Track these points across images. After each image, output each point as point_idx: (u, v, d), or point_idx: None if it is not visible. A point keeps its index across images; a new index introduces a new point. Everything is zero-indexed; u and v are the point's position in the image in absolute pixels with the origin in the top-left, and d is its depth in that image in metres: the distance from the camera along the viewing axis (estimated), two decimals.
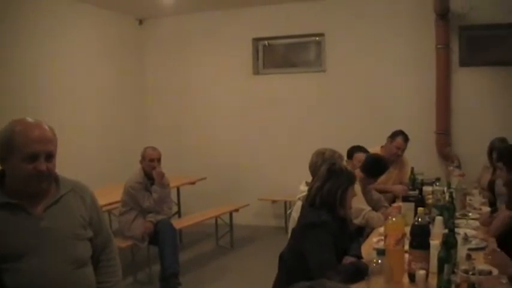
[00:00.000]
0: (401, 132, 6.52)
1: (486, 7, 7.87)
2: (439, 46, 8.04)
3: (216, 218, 7.89)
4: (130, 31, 9.74)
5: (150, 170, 6.23)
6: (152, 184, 6.25)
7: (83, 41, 8.45)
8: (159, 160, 6.31)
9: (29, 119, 2.43)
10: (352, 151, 5.90)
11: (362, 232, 4.89)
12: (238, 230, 8.26)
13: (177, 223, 7.24)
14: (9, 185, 2.41)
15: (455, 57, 8.15)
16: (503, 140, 6.17)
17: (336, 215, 3.50)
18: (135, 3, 8.60)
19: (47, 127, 2.43)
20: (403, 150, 6.50)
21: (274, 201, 8.83)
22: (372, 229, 4.68)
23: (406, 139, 6.49)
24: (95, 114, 8.68)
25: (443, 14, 7.85)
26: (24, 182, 2.38)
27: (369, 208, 4.93)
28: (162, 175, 6.26)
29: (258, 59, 9.45)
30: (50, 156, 2.40)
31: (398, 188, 6.14)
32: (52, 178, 2.48)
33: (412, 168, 6.09)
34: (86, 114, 8.48)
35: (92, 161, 8.16)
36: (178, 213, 8.48)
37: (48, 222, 2.42)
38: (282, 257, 3.71)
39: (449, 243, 3.10)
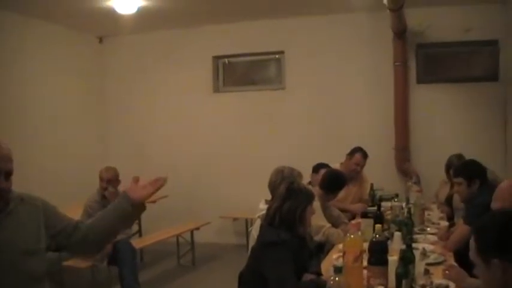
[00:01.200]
0: (359, 148, 6.60)
1: (442, 25, 8.05)
2: (396, 64, 8.17)
3: (178, 236, 7.84)
4: (91, 49, 9.67)
5: (103, 191, 6.14)
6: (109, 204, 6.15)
7: (43, 60, 8.39)
8: (109, 181, 6.15)
9: None
10: (319, 167, 5.94)
11: (322, 249, 4.91)
12: (199, 248, 8.21)
13: (138, 242, 7.17)
14: None
15: (412, 74, 8.30)
16: (459, 157, 6.26)
17: (295, 233, 3.51)
18: (95, 21, 8.53)
19: (4, 145, 2.39)
20: (362, 166, 6.58)
21: (235, 219, 8.81)
22: (332, 245, 4.70)
23: (364, 155, 6.58)
24: (56, 133, 8.56)
25: (400, 33, 7.98)
26: None
27: (328, 225, 4.96)
28: (113, 195, 6.15)
29: (218, 77, 9.45)
30: (9, 175, 2.36)
31: (357, 207, 6.20)
32: (9, 196, 2.43)
33: (372, 185, 6.14)
34: (48, 133, 8.37)
35: (52, 181, 7.98)
36: (140, 232, 8.38)
37: None
38: (241, 276, 3.71)
39: (406, 259, 3.13)
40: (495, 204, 2.99)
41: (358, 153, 6.57)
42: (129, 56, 9.67)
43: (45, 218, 2.54)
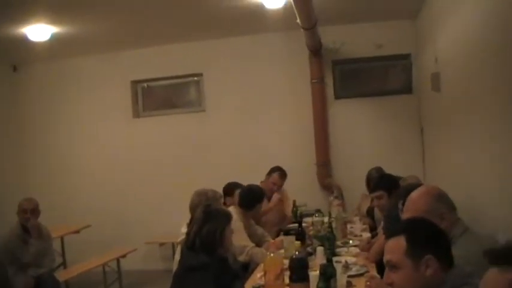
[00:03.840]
0: (278, 168, 6.70)
1: (356, 42, 8.25)
2: (314, 81, 8.30)
3: (104, 265, 7.64)
4: (5, 78, 9.42)
5: (25, 222, 5.95)
6: (30, 237, 5.97)
7: None
8: (33, 211, 5.98)
9: None
10: (231, 187, 5.95)
11: (247, 269, 4.90)
12: (127, 276, 8.08)
13: (63, 274, 6.99)
14: None
15: (330, 90, 8.44)
16: (378, 170, 6.41)
17: (216, 255, 3.50)
18: (7, 50, 8.30)
19: None
20: (280, 186, 6.68)
21: (161, 244, 8.70)
22: (257, 265, 4.70)
23: (282, 175, 6.68)
24: None
25: (316, 50, 8.12)
26: None
27: (252, 244, 4.97)
28: (36, 226, 5.99)
29: (137, 102, 9.36)
30: None
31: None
32: None
33: (294, 201, 6.20)
34: None
35: None
36: (64, 264, 8.17)
37: None
38: None
39: (327, 273, 3.16)
40: (405, 214, 3.05)
41: (276, 173, 6.69)
42: (45, 83, 9.43)
43: None
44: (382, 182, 5.07)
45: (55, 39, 7.54)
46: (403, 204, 3.26)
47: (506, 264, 1.48)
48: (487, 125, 4.41)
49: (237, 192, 5.72)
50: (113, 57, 9.06)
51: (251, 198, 5.40)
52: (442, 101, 6.25)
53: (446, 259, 2.23)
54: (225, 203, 5.53)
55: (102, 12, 6.92)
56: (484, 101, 4.46)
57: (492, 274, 1.51)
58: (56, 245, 7.03)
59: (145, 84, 9.37)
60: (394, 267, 2.28)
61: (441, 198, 3.09)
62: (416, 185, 3.77)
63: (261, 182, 6.58)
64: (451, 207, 3.10)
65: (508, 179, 3.91)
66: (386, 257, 2.33)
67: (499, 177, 4.13)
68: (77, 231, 8.12)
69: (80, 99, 9.29)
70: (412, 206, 3.07)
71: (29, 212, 5.97)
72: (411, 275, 2.23)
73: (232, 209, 5.12)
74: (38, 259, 5.96)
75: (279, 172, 6.66)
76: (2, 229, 6.07)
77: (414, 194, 3.15)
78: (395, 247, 2.29)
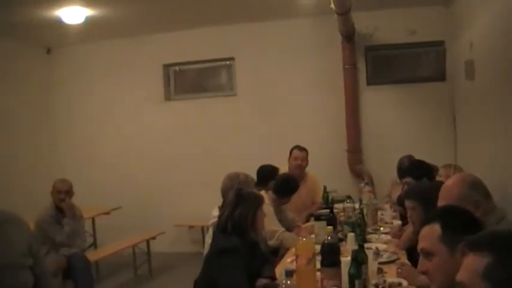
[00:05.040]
0: (294, 146, 6.67)
1: (389, 28, 8.19)
2: (346, 66, 8.26)
3: (133, 247, 7.74)
4: (38, 61, 9.51)
5: (60, 203, 6.04)
6: (64, 217, 6.06)
7: None
8: (67, 192, 6.08)
9: None
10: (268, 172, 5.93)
11: (277, 253, 4.92)
12: (156, 258, 8.15)
13: (93, 255, 7.08)
14: None
15: (362, 76, 8.40)
16: (410, 158, 6.37)
17: (248, 238, 3.53)
18: (41, 32, 8.39)
19: None
20: (303, 159, 6.61)
21: (191, 227, 8.76)
22: (287, 249, 4.71)
23: (301, 149, 6.64)
24: (6, 146, 8.39)
25: (349, 36, 8.08)
26: None
27: (282, 229, 4.99)
28: (71, 207, 6.08)
29: (169, 85, 9.40)
30: None
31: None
32: None
33: (325, 187, 6.16)
34: None
35: (2, 194, 7.81)
36: (94, 244, 8.29)
37: None
38: (196, 284, 3.69)
39: (359, 259, 3.16)
40: (440, 202, 3.03)
41: (295, 150, 6.68)
42: (78, 66, 9.53)
43: (28, 246, 2.52)
44: (411, 169, 5.05)
45: (89, 22, 7.60)
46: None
47: (481, 250, 1.60)
48: None
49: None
50: (145, 40, 9.11)
51: (287, 187, 5.40)
52: (476, 90, 6.18)
53: None
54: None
55: None
56: None
57: (469, 259, 1.65)
58: (87, 226, 7.11)
59: (177, 68, 9.40)
60: (429, 254, 2.26)
61: (476, 186, 3.06)
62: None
63: (288, 167, 6.56)
64: (486, 195, 3.07)
65: None
66: (420, 245, 2.31)
67: None
68: (108, 213, 8.21)
69: (112, 82, 9.37)
70: (447, 193, 3.05)
71: (64, 192, 6.06)
72: (446, 261, 2.21)
73: (264, 194, 5.12)
74: (71, 239, 6.04)
75: (297, 148, 6.66)
76: (36, 209, 6.14)
77: (448, 182, 3.13)
78: (430, 234, 2.28)
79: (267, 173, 5.78)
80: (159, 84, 9.30)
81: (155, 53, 9.17)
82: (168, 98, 9.37)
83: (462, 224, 2.26)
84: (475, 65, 6.07)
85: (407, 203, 3.89)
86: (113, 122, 9.43)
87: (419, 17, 8.03)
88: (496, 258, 1.54)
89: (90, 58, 9.46)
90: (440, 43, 8.16)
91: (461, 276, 1.65)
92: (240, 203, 3.57)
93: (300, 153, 6.63)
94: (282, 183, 5.40)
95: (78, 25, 7.59)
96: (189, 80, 9.55)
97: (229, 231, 3.51)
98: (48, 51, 9.67)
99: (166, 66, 9.35)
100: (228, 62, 9.12)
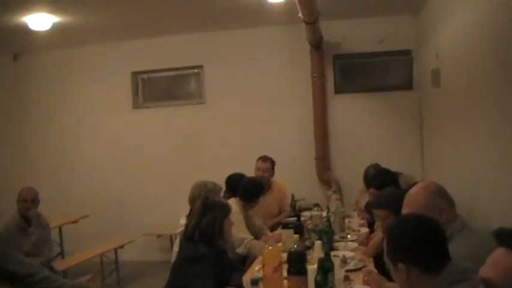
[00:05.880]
0: (260, 157, 6.67)
1: (357, 37, 8.25)
2: (314, 75, 8.30)
3: (101, 255, 7.65)
4: (5, 67, 9.41)
5: (25, 212, 5.95)
6: (30, 226, 5.97)
7: None
8: (33, 201, 5.99)
9: None
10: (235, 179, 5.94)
11: (246, 261, 4.92)
12: (124, 267, 8.09)
13: (60, 264, 6.98)
14: None
15: (330, 84, 8.45)
16: (376, 167, 6.42)
17: (215, 247, 3.52)
18: (8, 39, 8.27)
19: None
20: (265, 170, 6.58)
21: (159, 236, 8.70)
22: (255, 257, 4.71)
23: (264, 159, 6.63)
24: None
25: (317, 44, 8.12)
26: None
27: (251, 237, 4.99)
28: (37, 216, 6.00)
29: (137, 93, 9.34)
30: None
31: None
32: None
33: (293, 195, 6.18)
34: None
35: None
36: (62, 253, 8.15)
37: None
38: None
39: (325, 267, 3.18)
40: (404, 210, 3.06)
41: (258, 160, 6.65)
42: (45, 73, 9.41)
43: None
44: (375, 180, 5.10)
45: (56, 29, 7.52)
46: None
47: None
48: (486, 121, 4.43)
49: None
50: (114, 48, 9.04)
51: (253, 191, 5.40)
52: (442, 97, 6.26)
53: (425, 265, 2.21)
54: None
55: (104, 2, 6.90)
56: (484, 97, 4.47)
57: (499, 253, 1.50)
58: (54, 235, 7.03)
59: (145, 76, 9.34)
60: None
61: (440, 194, 3.10)
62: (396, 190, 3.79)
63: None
64: (450, 203, 3.11)
65: (507, 174, 3.93)
66: None
67: (498, 172, 4.14)
68: (75, 221, 8.11)
69: (80, 90, 9.28)
70: (411, 201, 3.08)
71: (29, 201, 5.97)
72: (395, 276, 2.27)
73: (233, 201, 5.14)
74: (37, 248, 5.94)
75: (261, 158, 6.65)
76: (2, 218, 6.05)
77: (413, 190, 3.16)
78: (384, 247, 2.34)
79: (235, 181, 5.79)
80: (128, 92, 9.23)
81: (123, 60, 9.10)
82: (136, 106, 9.30)
83: (400, 246, 2.27)
84: (441, 73, 6.15)
85: (379, 212, 3.92)
86: (80, 129, 9.31)
87: (388, 26, 8.10)
88: None
89: (58, 65, 9.35)
90: (408, 52, 8.24)
91: (488, 273, 1.52)
92: (206, 211, 3.58)
93: (262, 164, 6.60)
94: (247, 187, 5.41)
95: (46, 32, 7.51)
96: (158, 88, 9.48)
97: (196, 240, 3.51)
98: (15, 57, 9.55)
99: (135, 74, 9.29)
100: (196, 70, 9.10)
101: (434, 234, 2.28)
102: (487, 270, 1.52)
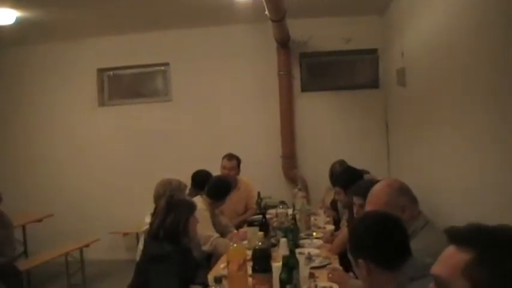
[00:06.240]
0: (225, 155, 6.66)
1: (324, 36, 8.28)
2: (281, 73, 8.32)
3: (66, 255, 7.54)
4: None
5: None
6: None
7: None
8: None
9: None
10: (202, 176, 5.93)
11: (211, 259, 4.91)
12: (90, 266, 7.98)
13: (24, 264, 6.88)
14: None
15: (297, 83, 8.48)
16: (342, 163, 6.46)
17: (180, 245, 3.51)
18: None
19: None
20: (231, 168, 6.56)
21: (125, 234, 8.63)
22: (221, 255, 4.70)
23: (230, 158, 6.61)
24: None
25: (284, 42, 8.14)
26: None
27: (216, 235, 4.98)
28: (0, 214, 5.92)
29: (103, 90, 9.25)
30: None
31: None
32: None
33: (259, 193, 6.18)
34: None
35: None
36: (25, 253, 8.03)
37: None
38: None
39: (290, 264, 3.18)
40: (367, 207, 3.09)
41: (224, 159, 6.63)
42: (9, 69, 9.24)
43: None
44: (340, 178, 5.13)
45: (19, 24, 7.38)
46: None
47: (464, 244, 1.49)
48: (449, 120, 4.49)
49: None
50: (79, 45, 8.93)
51: (222, 190, 5.39)
52: (407, 96, 6.33)
53: (385, 261, 2.25)
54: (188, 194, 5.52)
55: None
56: (447, 95, 4.53)
57: (450, 251, 1.53)
58: (18, 234, 6.93)
59: (111, 73, 9.25)
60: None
61: (402, 191, 3.13)
62: (373, 181, 3.79)
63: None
64: (413, 200, 3.14)
65: (468, 172, 3.99)
66: None
67: (461, 170, 4.21)
68: (40, 220, 8.00)
69: (44, 87, 9.13)
70: (374, 198, 3.11)
71: None
72: (357, 272, 2.31)
73: (199, 199, 5.13)
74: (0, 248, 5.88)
75: (226, 156, 6.64)
76: None
77: (376, 187, 3.19)
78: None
79: (201, 178, 5.80)
80: (93, 89, 9.12)
81: (89, 57, 8.99)
82: (102, 103, 9.20)
83: (360, 243, 2.36)
84: (406, 72, 6.21)
85: (356, 200, 3.95)
86: (45, 127, 9.19)
87: (354, 25, 8.16)
88: (478, 255, 1.46)
89: (22, 61, 9.19)
90: (374, 51, 8.32)
91: (438, 270, 1.56)
92: (171, 210, 3.57)
93: (228, 162, 6.58)
94: (216, 186, 5.40)
95: (8, 27, 7.37)
96: (124, 85, 9.38)
97: (161, 238, 3.49)
98: None
99: (101, 71, 9.19)
100: (163, 68, 9.04)
101: (394, 230, 2.32)
102: (437, 267, 1.56)
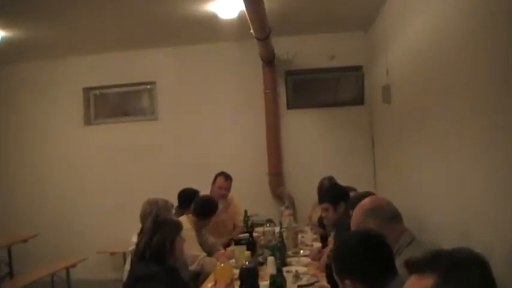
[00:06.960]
0: (221, 173, 6.66)
1: (309, 53, 8.33)
2: (266, 91, 8.35)
3: (52, 275, 7.50)
4: None
5: None
6: None
7: None
8: None
9: None
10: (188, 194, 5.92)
11: (199, 278, 4.89)
12: (76, 286, 7.92)
13: (9, 285, 6.85)
14: None
15: (283, 100, 8.51)
16: (330, 179, 6.46)
17: (167, 265, 3.49)
18: None
19: None
20: (227, 188, 6.60)
21: (112, 253, 8.57)
22: (208, 274, 4.69)
23: (226, 177, 6.62)
24: None
25: (269, 60, 8.17)
26: None
27: (203, 254, 4.97)
28: None
29: (89, 109, 9.22)
30: None
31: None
32: None
33: (246, 211, 6.19)
34: None
35: None
36: (11, 274, 7.97)
37: None
38: None
39: (277, 283, 3.19)
40: (352, 227, 3.10)
41: (220, 177, 6.63)
42: None
43: None
44: (328, 195, 5.12)
45: (5, 44, 7.38)
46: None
47: (425, 270, 1.49)
48: (435, 136, 4.52)
49: None
50: (65, 64, 8.92)
51: (207, 208, 5.39)
52: (392, 113, 6.37)
53: (370, 280, 2.26)
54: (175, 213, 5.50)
55: (54, 18, 6.81)
56: (432, 113, 4.57)
57: (412, 281, 1.53)
58: (3, 255, 6.86)
59: (97, 92, 9.23)
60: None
61: (374, 212, 3.08)
62: (365, 195, 3.80)
63: (210, 192, 6.55)
64: (391, 218, 3.10)
65: (453, 188, 4.01)
66: None
67: (445, 186, 4.23)
68: (25, 241, 7.94)
69: (30, 106, 9.10)
70: (352, 219, 3.15)
71: None
72: None
73: (185, 218, 5.12)
74: None
75: (223, 175, 6.64)
76: None
77: (356, 208, 3.20)
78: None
79: (187, 196, 5.80)
80: (79, 108, 9.09)
81: (75, 76, 8.97)
82: (88, 122, 9.17)
83: (343, 264, 2.38)
84: (391, 89, 6.25)
85: (322, 206, 3.95)
86: (31, 146, 9.12)
87: (339, 42, 8.22)
88: (441, 278, 1.46)
89: (7, 80, 9.15)
90: (359, 68, 8.37)
91: None
92: (157, 229, 3.55)
93: (225, 182, 6.59)
94: (202, 205, 5.40)
95: None
96: (110, 104, 9.38)
97: (147, 258, 3.48)
98: None
99: (87, 90, 9.17)
100: (149, 86, 9.04)
101: (378, 248, 2.33)
102: None
